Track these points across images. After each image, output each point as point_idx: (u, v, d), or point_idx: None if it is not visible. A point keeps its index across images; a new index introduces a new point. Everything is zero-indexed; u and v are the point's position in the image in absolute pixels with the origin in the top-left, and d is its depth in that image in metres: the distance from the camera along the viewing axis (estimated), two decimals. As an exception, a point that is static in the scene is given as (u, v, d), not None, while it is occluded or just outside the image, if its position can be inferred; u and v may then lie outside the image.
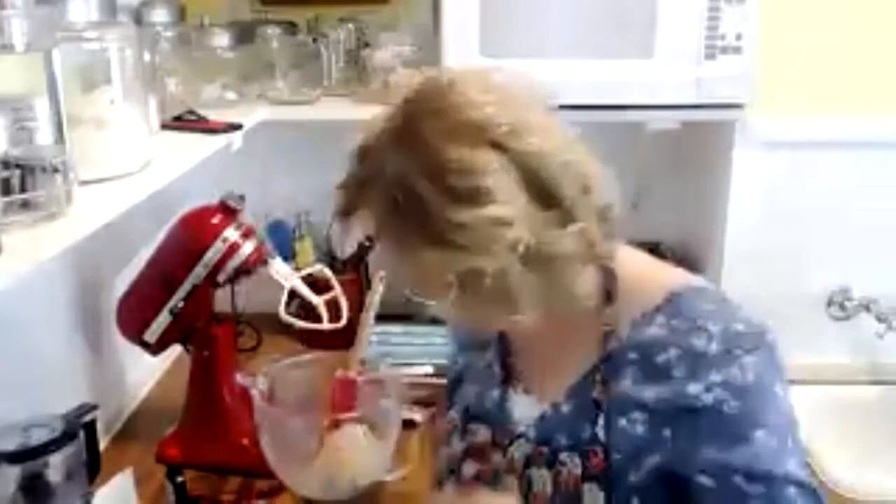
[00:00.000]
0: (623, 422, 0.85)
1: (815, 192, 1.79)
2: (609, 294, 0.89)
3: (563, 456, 0.89)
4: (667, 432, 0.82)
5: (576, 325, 0.90)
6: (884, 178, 1.78)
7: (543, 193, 0.80)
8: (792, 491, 0.79)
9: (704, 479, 0.80)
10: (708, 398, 0.80)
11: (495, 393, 0.99)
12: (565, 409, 0.90)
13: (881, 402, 1.79)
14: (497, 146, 0.78)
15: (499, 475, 0.96)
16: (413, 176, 0.79)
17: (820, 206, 1.79)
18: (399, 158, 0.80)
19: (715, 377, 0.80)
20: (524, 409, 0.95)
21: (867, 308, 1.80)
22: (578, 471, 0.87)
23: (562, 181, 0.81)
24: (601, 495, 0.85)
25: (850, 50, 1.70)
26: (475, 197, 0.77)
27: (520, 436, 0.94)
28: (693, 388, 0.81)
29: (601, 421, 0.86)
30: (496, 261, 0.79)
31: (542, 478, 0.91)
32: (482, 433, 0.99)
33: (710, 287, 0.91)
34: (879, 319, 1.78)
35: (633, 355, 0.86)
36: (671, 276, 0.91)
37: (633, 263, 0.92)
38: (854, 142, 1.75)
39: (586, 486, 0.86)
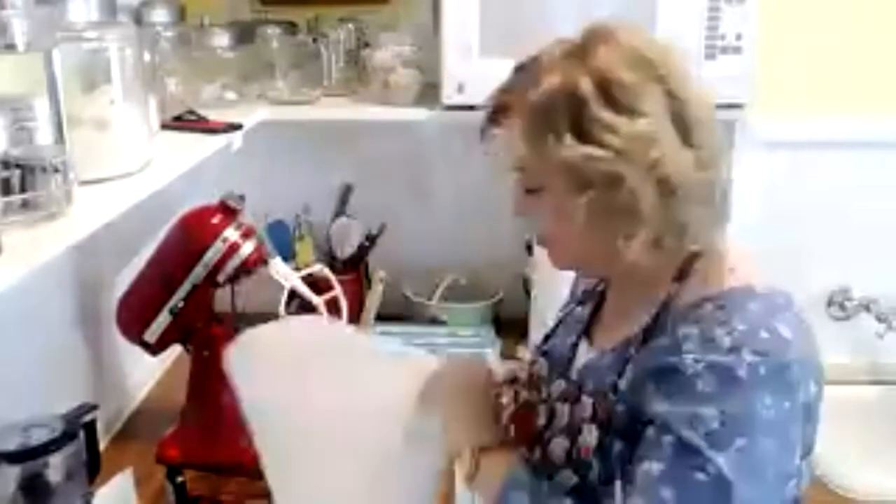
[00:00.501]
0: (633, 381, 0.89)
1: (815, 192, 1.79)
2: (683, 271, 0.92)
3: (584, 397, 0.94)
4: (651, 387, 0.85)
5: (651, 285, 0.93)
6: (884, 178, 1.78)
7: (688, 134, 0.87)
8: (701, 477, 0.79)
9: (650, 430, 0.83)
10: (689, 367, 0.82)
11: (571, 340, 1.05)
12: (606, 359, 0.95)
13: (881, 402, 1.79)
14: (661, 81, 0.86)
15: (531, 405, 1.04)
16: (580, 81, 0.85)
17: (820, 206, 1.79)
18: (570, 67, 0.87)
19: (710, 356, 0.82)
20: (582, 355, 1.02)
21: (867, 308, 1.80)
22: (588, 412, 0.92)
23: (705, 130, 0.88)
24: (595, 435, 0.90)
25: (850, 50, 1.70)
26: (632, 112, 0.85)
27: (563, 374, 1.02)
28: (687, 356, 0.83)
29: (627, 375, 0.90)
30: (635, 172, 0.84)
31: (563, 413, 0.97)
32: (541, 366, 1.07)
33: (776, 296, 0.90)
34: (879, 319, 1.78)
35: (668, 328, 0.89)
36: (744, 275, 0.92)
37: (722, 248, 0.94)
38: (854, 142, 1.75)
39: (587, 427, 0.91)
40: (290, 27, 1.90)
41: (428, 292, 2.03)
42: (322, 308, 1.46)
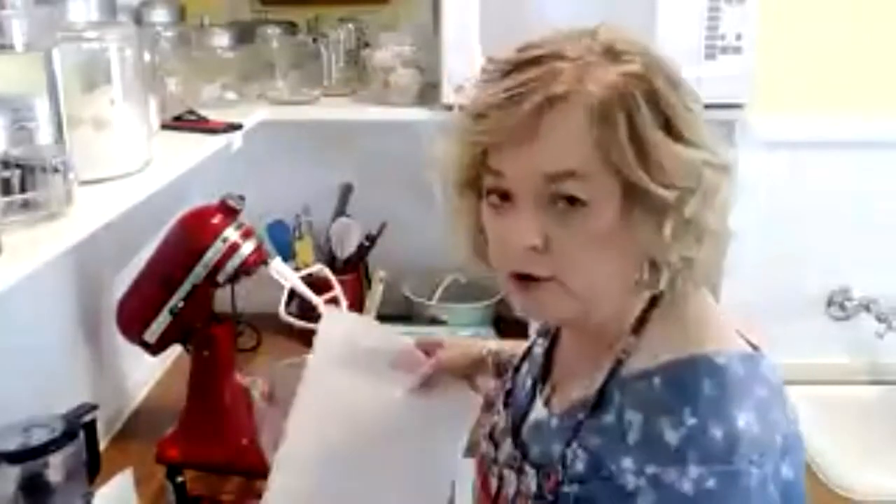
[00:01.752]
0: (579, 456, 0.79)
1: (815, 192, 1.79)
2: (642, 322, 0.81)
3: (528, 468, 0.85)
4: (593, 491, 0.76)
5: (607, 334, 0.83)
6: (884, 178, 1.78)
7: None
8: None
9: None
10: (631, 482, 0.72)
11: (528, 384, 0.95)
12: (554, 423, 0.86)
13: (881, 402, 1.79)
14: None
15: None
16: (655, 78, 0.76)
17: (820, 206, 1.79)
18: (627, 65, 0.77)
19: (651, 468, 0.72)
20: (535, 409, 0.91)
21: (867, 308, 1.80)
22: (532, 488, 0.83)
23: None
24: None
25: (850, 50, 1.70)
26: (677, 134, 0.77)
27: (514, 432, 0.92)
28: (626, 463, 0.73)
29: (573, 446, 0.80)
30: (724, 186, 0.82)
31: (510, 481, 0.88)
32: (500, 417, 0.98)
33: (736, 365, 0.76)
34: (879, 319, 1.78)
35: (616, 400, 0.79)
36: (710, 338, 0.79)
37: (693, 305, 0.82)
38: (854, 142, 1.75)
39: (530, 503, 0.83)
40: (290, 27, 1.90)
41: (428, 292, 2.03)
42: (322, 308, 1.46)
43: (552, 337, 0.96)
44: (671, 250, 0.76)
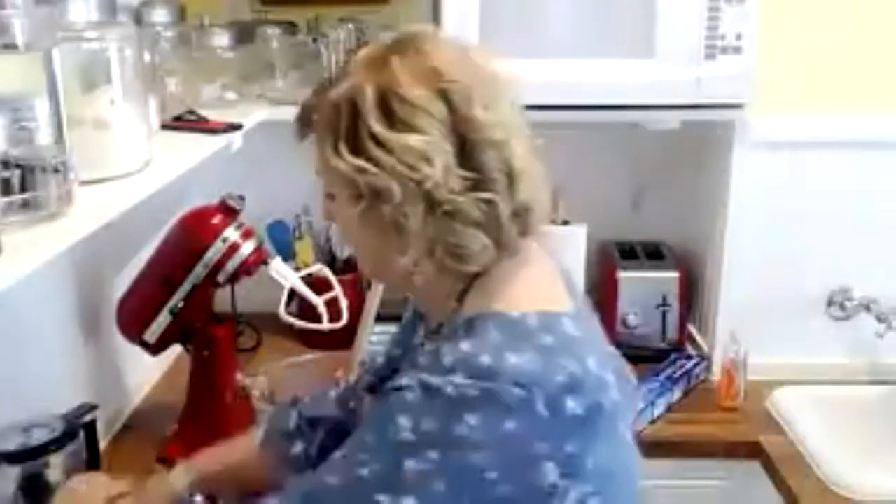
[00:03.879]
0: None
1: (816, 193, 1.79)
2: (465, 292, 0.92)
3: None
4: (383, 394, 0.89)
5: (442, 308, 0.94)
6: (884, 179, 1.78)
7: (466, 155, 0.86)
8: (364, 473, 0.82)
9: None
10: (403, 381, 0.84)
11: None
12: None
13: (881, 402, 1.79)
14: (445, 97, 0.86)
15: None
16: (364, 90, 0.86)
17: (820, 205, 1.79)
18: (361, 76, 0.88)
19: (423, 375, 0.83)
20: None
21: (867, 308, 1.80)
22: None
23: (487, 154, 0.87)
24: None
25: (851, 50, 1.70)
26: (406, 126, 0.85)
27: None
28: (408, 374, 0.85)
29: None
30: (404, 188, 0.85)
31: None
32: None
33: (529, 321, 0.87)
34: (879, 319, 1.78)
35: (426, 348, 0.91)
36: (513, 299, 0.90)
37: (507, 275, 0.92)
38: (854, 142, 1.75)
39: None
40: (290, 27, 1.90)
41: (428, 292, 2.02)
42: (322, 308, 1.47)
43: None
44: (404, 237, 0.88)
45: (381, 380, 1.07)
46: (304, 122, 0.95)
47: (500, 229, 0.88)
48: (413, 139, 0.84)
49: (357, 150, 0.86)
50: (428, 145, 0.84)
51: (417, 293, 0.99)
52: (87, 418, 1.27)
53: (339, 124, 0.87)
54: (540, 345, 0.84)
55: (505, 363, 0.82)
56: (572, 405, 0.82)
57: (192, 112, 1.54)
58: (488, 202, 0.86)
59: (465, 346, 0.84)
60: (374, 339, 1.78)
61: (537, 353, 0.83)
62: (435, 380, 0.82)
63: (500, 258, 0.91)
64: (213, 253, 1.37)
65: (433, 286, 0.93)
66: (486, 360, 0.82)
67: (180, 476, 1.16)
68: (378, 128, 0.85)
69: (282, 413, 1.21)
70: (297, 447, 1.16)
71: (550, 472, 0.82)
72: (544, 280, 0.96)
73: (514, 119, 0.90)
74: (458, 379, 0.81)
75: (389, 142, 0.85)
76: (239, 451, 1.22)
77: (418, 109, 0.85)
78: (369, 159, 0.85)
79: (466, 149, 0.86)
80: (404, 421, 0.81)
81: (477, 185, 0.86)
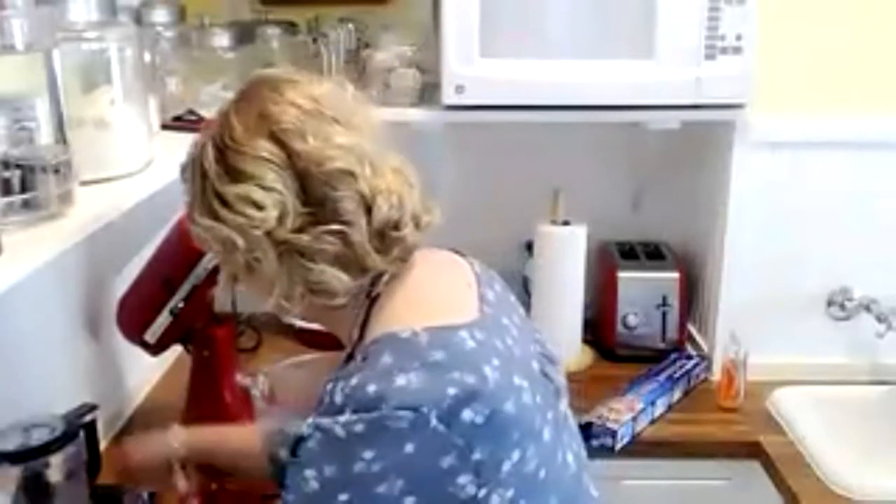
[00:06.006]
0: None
1: (816, 192, 1.79)
2: (366, 320, 0.94)
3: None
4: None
5: (347, 339, 0.96)
6: (884, 179, 1.78)
7: (309, 191, 0.88)
8: None
9: None
10: (304, 430, 0.85)
11: None
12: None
13: (881, 402, 1.79)
14: (276, 139, 0.88)
15: None
16: (206, 149, 0.90)
17: (820, 205, 1.79)
18: (206, 134, 0.92)
19: (318, 419, 0.85)
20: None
21: (867, 308, 1.80)
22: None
23: (331, 185, 0.88)
24: None
25: (851, 50, 1.70)
26: (239, 176, 0.87)
27: None
28: (307, 421, 0.86)
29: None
30: (244, 236, 0.88)
31: None
32: None
33: (418, 338, 0.87)
34: (879, 319, 1.78)
35: (329, 387, 0.90)
36: (404, 320, 0.90)
37: (395, 299, 0.93)
38: (854, 142, 1.75)
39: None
40: (290, 27, 1.90)
41: (428, 292, 2.02)
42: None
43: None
44: (263, 281, 0.92)
45: None
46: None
47: (359, 256, 0.89)
48: (247, 188, 0.86)
49: (204, 210, 0.90)
50: (260, 192, 0.86)
51: (327, 326, 1.02)
52: (88, 418, 1.27)
53: (191, 187, 0.92)
54: (430, 362, 0.85)
55: (391, 388, 0.82)
56: (470, 415, 0.82)
57: (192, 112, 1.54)
58: (337, 233, 0.88)
59: (354, 379, 0.84)
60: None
61: (426, 370, 0.84)
62: (326, 422, 0.83)
63: (375, 283, 0.93)
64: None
65: (333, 318, 0.97)
66: (371, 388, 0.83)
67: (179, 436, 1.21)
68: (218, 185, 0.88)
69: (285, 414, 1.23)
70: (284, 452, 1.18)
71: (467, 483, 0.82)
72: (439, 293, 0.97)
73: (362, 144, 0.91)
74: (345, 417, 0.82)
75: (227, 195, 0.87)
76: (239, 437, 1.26)
77: (250, 157, 0.87)
78: (215, 217, 0.89)
79: (309, 184, 0.87)
80: (310, 472, 0.84)
81: (322, 218, 0.88)
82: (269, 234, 0.87)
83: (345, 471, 0.82)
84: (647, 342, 1.90)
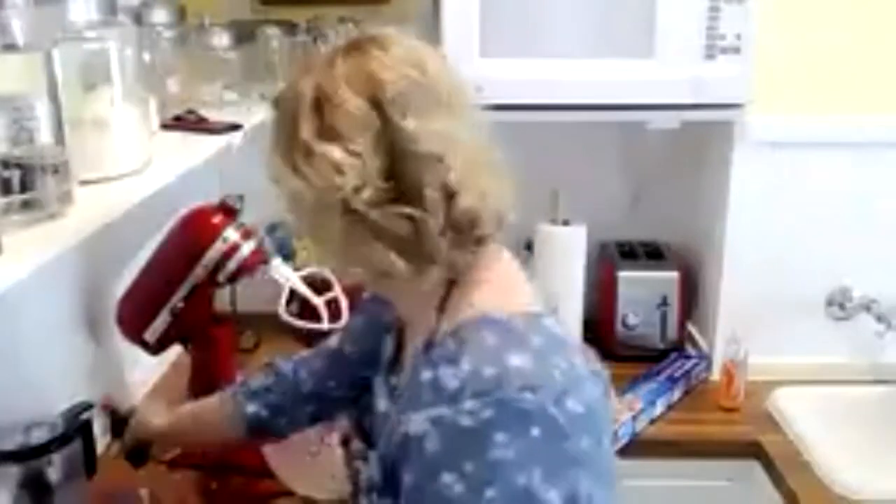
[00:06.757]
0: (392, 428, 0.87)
1: (815, 192, 1.79)
2: (444, 302, 0.89)
3: (371, 454, 0.93)
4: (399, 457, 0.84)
5: (421, 320, 0.91)
6: (884, 179, 1.78)
7: (393, 167, 0.83)
8: None
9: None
10: (417, 428, 0.80)
11: (379, 380, 1.02)
12: (392, 412, 0.93)
13: (881, 402, 1.79)
14: (377, 105, 0.83)
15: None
16: (304, 94, 0.85)
17: (820, 205, 1.79)
18: (308, 77, 0.87)
19: (433, 412, 0.79)
20: (380, 403, 0.98)
21: (867, 308, 1.80)
22: (376, 475, 0.90)
23: (417, 168, 0.83)
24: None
25: (850, 50, 1.70)
26: (329, 132, 0.83)
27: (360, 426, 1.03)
28: (416, 416, 0.81)
29: (390, 423, 0.88)
30: (318, 198, 0.84)
31: (363, 472, 0.96)
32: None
33: (514, 321, 0.85)
34: (879, 319, 1.78)
35: (419, 370, 0.86)
36: (495, 302, 0.88)
37: (484, 279, 0.90)
38: (854, 142, 1.75)
39: (375, 493, 0.90)
40: (290, 27, 1.90)
41: (428, 292, 2.02)
42: (322, 308, 1.47)
43: (399, 335, 1.02)
44: (323, 245, 0.90)
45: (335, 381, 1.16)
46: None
47: (427, 246, 0.84)
48: (333, 148, 0.82)
49: (284, 154, 0.86)
50: (346, 155, 0.82)
51: (390, 297, 0.98)
52: (84, 417, 1.27)
53: (278, 126, 0.88)
54: (532, 346, 0.83)
55: (508, 369, 0.79)
56: (572, 403, 0.80)
57: (192, 112, 1.54)
58: (410, 218, 0.83)
59: (465, 363, 0.80)
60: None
61: (531, 353, 0.82)
62: (447, 414, 0.78)
63: (453, 267, 0.88)
64: (214, 253, 1.37)
65: (399, 292, 0.93)
66: (488, 371, 0.79)
67: (160, 413, 1.31)
68: (307, 135, 0.84)
69: (255, 375, 1.27)
70: (251, 407, 1.22)
71: (582, 475, 0.79)
72: (519, 279, 0.95)
73: (459, 130, 0.86)
74: (469, 404, 0.77)
75: (312, 148, 0.83)
76: (210, 406, 1.30)
77: (346, 116, 0.83)
78: (293, 165, 0.85)
79: (396, 160, 0.83)
80: (448, 476, 0.77)
81: (400, 198, 0.83)
82: (342, 200, 0.82)
83: (485, 461, 0.76)
84: (646, 342, 1.90)
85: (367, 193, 0.82)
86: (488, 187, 0.87)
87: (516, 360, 0.80)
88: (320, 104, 0.84)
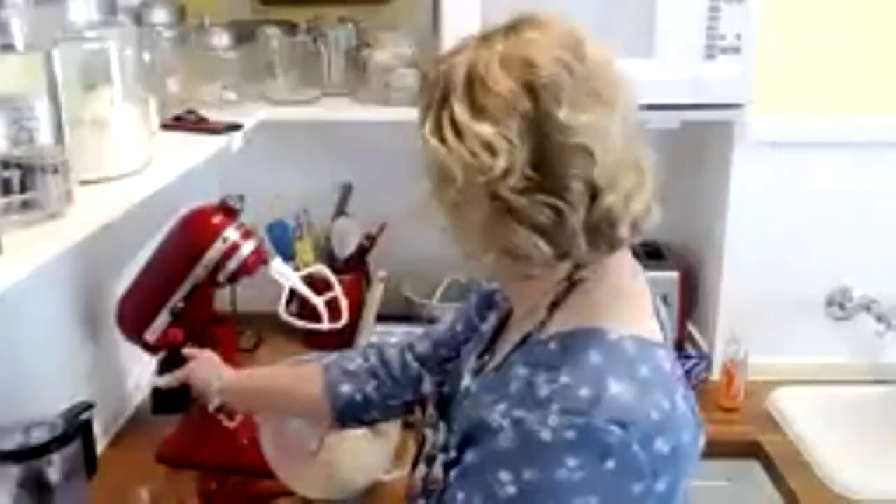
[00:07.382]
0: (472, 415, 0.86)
1: (815, 192, 1.79)
2: (558, 300, 0.88)
3: (441, 423, 0.95)
4: (469, 434, 0.84)
5: (530, 311, 0.90)
6: (884, 179, 1.78)
7: (541, 155, 0.80)
8: None
9: (457, 479, 0.84)
10: (496, 421, 0.80)
11: (471, 357, 1.01)
12: (473, 388, 0.93)
13: (881, 402, 1.79)
14: (531, 91, 0.79)
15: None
16: (458, 71, 0.82)
17: (820, 205, 1.79)
18: (464, 53, 0.84)
19: (517, 413, 0.79)
20: (465, 379, 0.98)
21: (867, 308, 1.80)
22: (441, 440, 0.92)
23: (565, 159, 0.80)
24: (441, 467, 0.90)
25: (850, 50, 1.70)
26: (482, 113, 0.80)
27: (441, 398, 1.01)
28: (500, 407, 0.81)
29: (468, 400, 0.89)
30: (466, 175, 0.80)
31: (428, 439, 0.97)
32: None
33: (626, 346, 0.83)
34: (879, 319, 1.78)
35: (514, 361, 0.87)
36: (614, 319, 0.85)
37: (608, 291, 0.88)
38: (854, 142, 1.75)
39: (440, 456, 0.90)
40: (290, 27, 1.90)
41: (428, 292, 2.03)
42: (322, 308, 1.46)
43: (503, 316, 1.01)
44: (462, 227, 0.85)
45: (442, 361, 1.13)
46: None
47: (566, 240, 0.81)
48: (485, 129, 0.79)
49: (435, 128, 0.82)
50: (497, 137, 0.79)
51: (509, 292, 0.97)
52: (84, 417, 1.27)
53: (430, 100, 0.84)
54: (638, 376, 0.80)
55: (605, 394, 0.77)
56: (661, 443, 0.78)
57: (192, 112, 1.54)
58: (554, 208, 0.80)
59: (564, 376, 0.79)
60: (375, 339, 1.79)
61: (635, 385, 0.79)
62: (530, 420, 0.77)
63: (578, 267, 0.86)
64: (214, 253, 1.37)
65: (520, 286, 0.91)
66: (584, 392, 0.77)
67: (220, 379, 1.29)
68: (458, 111, 0.81)
69: (348, 354, 1.25)
70: (347, 387, 1.19)
71: None
72: (641, 303, 0.90)
73: (611, 125, 0.82)
74: (555, 420, 0.76)
75: (464, 126, 0.80)
76: (286, 377, 1.30)
77: (499, 98, 0.79)
78: (443, 140, 0.81)
79: (545, 149, 0.79)
80: (506, 475, 0.77)
81: (544, 188, 0.80)
82: (489, 183, 0.79)
83: (547, 477, 0.76)
84: (647, 342, 1.90)
85: (513, 179, 0.79)
86: (633, 189, 0.84)
87: (616, 388, 0.78)
88: (472, 83, 0.81)
